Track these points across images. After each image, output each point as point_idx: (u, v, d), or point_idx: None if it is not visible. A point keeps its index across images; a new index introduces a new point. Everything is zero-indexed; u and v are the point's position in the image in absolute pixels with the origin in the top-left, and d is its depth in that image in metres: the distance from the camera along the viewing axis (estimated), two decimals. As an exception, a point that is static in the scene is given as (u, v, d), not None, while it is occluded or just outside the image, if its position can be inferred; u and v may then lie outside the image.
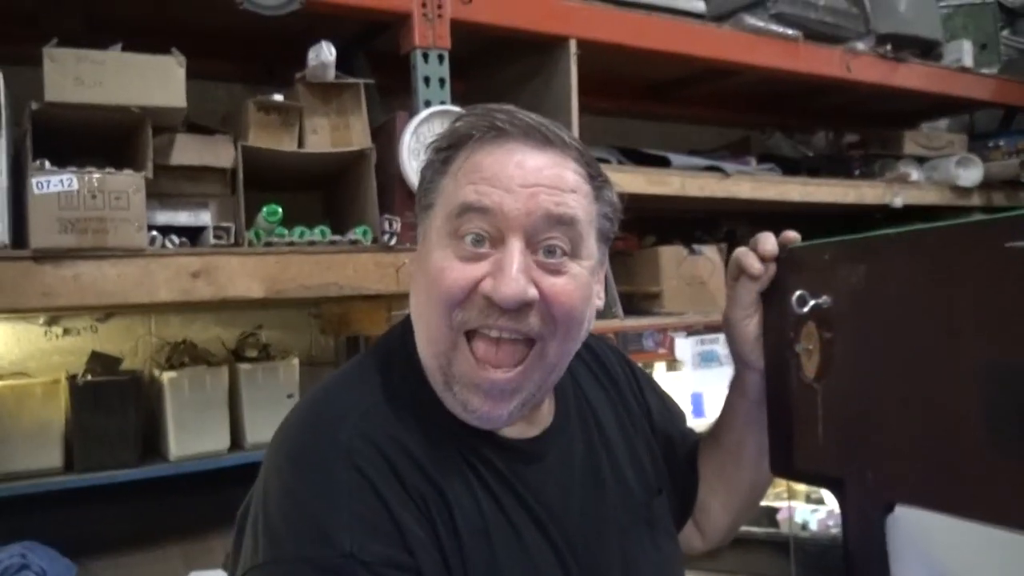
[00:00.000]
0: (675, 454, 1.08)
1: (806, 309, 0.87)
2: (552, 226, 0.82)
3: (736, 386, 1.05)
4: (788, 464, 0.93)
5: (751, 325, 0.97)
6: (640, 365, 1.17)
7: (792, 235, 0.94)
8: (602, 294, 0.93)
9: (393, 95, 2.03)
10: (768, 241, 0.94)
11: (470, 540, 0.82)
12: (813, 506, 2.21)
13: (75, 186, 1.43)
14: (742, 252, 0.96)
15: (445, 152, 0.86)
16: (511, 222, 0.81)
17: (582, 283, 0.85)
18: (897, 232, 0.79)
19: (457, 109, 1.82)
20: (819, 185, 2.56)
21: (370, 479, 0.79)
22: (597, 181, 0.87)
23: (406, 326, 0.93)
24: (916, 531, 0.78)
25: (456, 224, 0.82)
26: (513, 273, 0.80)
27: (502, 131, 0.83)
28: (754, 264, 0.94)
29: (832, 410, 0.86)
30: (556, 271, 0.83)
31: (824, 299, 0.86)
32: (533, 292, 0.81)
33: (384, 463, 0.80)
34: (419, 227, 0.90)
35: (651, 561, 0.96)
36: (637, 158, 2.32)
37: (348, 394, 0.88)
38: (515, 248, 0.81)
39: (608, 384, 1.06)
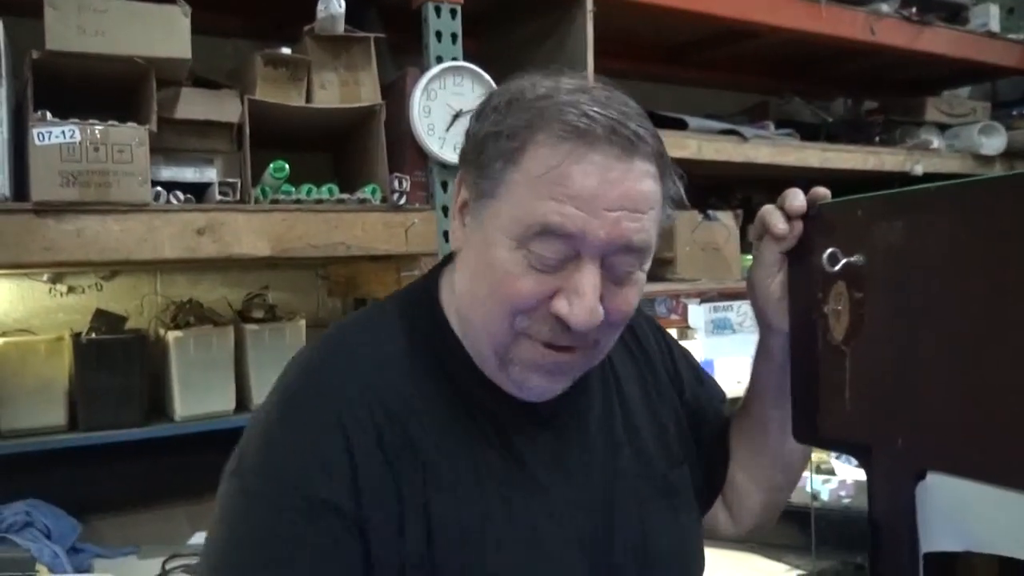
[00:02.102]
0: (704, 428, 1.05)
1: (837, 268, 0.83)
2: (629, 253, 0.80)
3: (761, 351, 1.02)
4: (812, 430, 0.90)
5: (774, 285, 0.94)
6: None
7: (822, 191, 0.90)
8: None
9: (404, 52, 1.98)
10: (796, 197, 0.90)
11: (448, 499, 0.81)
12: (824, 476, 2.18)
13: (77, 138, 1.39)
14: (768, 210, 0.92)
15: (515, 141, 0.80)
16: (591, 248, 0.78)
17: (641, 285, 0.85)
18: (938, 186, 0.75)
19: (470, 66, 1.77)
20: (839, 151, 2.50)
21: (345, 426, 0.80)
22: (666, 179, 0.83)
23: (430, 281, 0.93)
24: (948, 500, 0.75)
25: (530, 239, 0.79)
26: (590, 302, 0.79)
27: (586, 134, 0.77)
28: (778, 223, 0.90)
29: (861, 374, 0.83)
30: (622, 283, 0.82)
31: (857, 257, 0.82)
32: (602, 312, 0.80)
33: (366, 415, 0.81)
34: (462, 196, 0.85)
35: (670, 532, 0.94)
36: (653, 120, 2.26)
37: (364, 337, 0.90)
38: (592, 272, 0.79)
39: (639, 354, 1.03)
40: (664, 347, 1.07)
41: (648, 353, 1.04)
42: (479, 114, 0.86)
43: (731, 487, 1.07)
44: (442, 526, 0.80)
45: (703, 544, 1.01)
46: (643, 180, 0.79)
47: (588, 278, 0.79)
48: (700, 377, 1.11)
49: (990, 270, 0.69)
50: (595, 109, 0.78)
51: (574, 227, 0.77)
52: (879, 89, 3.09)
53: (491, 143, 0.82)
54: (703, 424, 1.06)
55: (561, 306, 0.79)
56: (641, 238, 0.80)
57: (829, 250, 0.83)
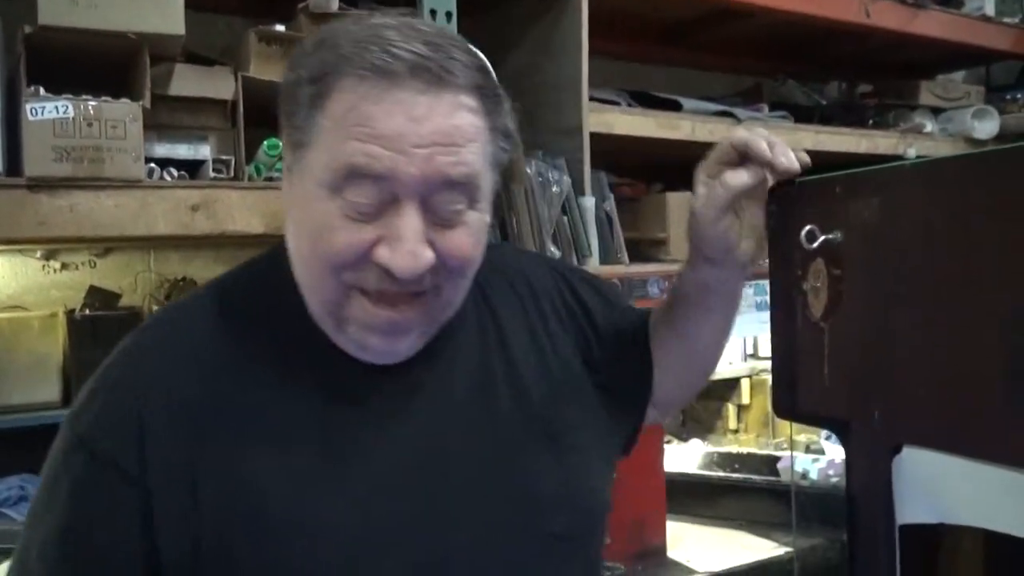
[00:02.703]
0: (626, 347, 1.02)
1: (815, 245, 0.83)
2: (450, 188, 0.76)
3: (688, 275, 0.97)
4: (792, 406, 0.91)
5: (719, 228, 0.88)
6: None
7: (805, 157, 0.86)
8: (489, 215, 0.88)
9: (398, 31, 1.97)
10: (789, 153, 0.85)
11: (266, 460, 0.79)
12: (814, 456, 2.21)
13: (70, 113, 1.40)
14: (754, 139, 0.85)
15: (317, 85, 0.77)
16: (406, 188, 0.75)
17: (477, 229, 0.81)
18: (914, 163, 0.76)
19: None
20: (832, 134, 2.51)
21: (138, 383, 0.80)
22: (492, 112, 0.80)
23: (280, 244, 0.88)
24: (924, 473, 0.76)
25: (341, 184, 0.75)
26: (411, 246, 0.75)
27: (387, 72, 0.74)
28: (781, 157, 0.83)
29: (839, 350, 0.84)
30: (452, 225, 0.78)
31: (835, 234, 0.83)
32: (430, 256, 0.76)
33: (162, 371, 0.81)
34: (286, 157, 0.82)
35: (555, 475, 0.89)
36: (647, 101, 2.27)
37: (202, 293, 0.90)
38: (411, 215, 0.75)
39: (526, 294, 0.98)
40: (562, 281, 1.02)
41: (537, 293, 0.99)
42: (290, 63, 0.82)
43: (656, 388, 1.04)
44: (257, 489, 0.78)
45: (606, 483, 0.96)
46: (456, 114, 0.76)
47: (407, 221, 0.75)
48: (606, 297, 1.06)
49: (963, 246, 0.70)
50: (400, 45, 0.74)
51: (382, 167, 0.74)
52: (873, 72, 3.10)
53: (298, 90, 0.78)
54: (624, 344, 1.01)
55: (382, 254, 0.75)
56: (461, 171, 0.76)
57: (807, 227, 0.84)
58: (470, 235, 0.80)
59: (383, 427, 0.84)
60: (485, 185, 0.80)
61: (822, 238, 0.83)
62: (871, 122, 2.78)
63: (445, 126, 0.75)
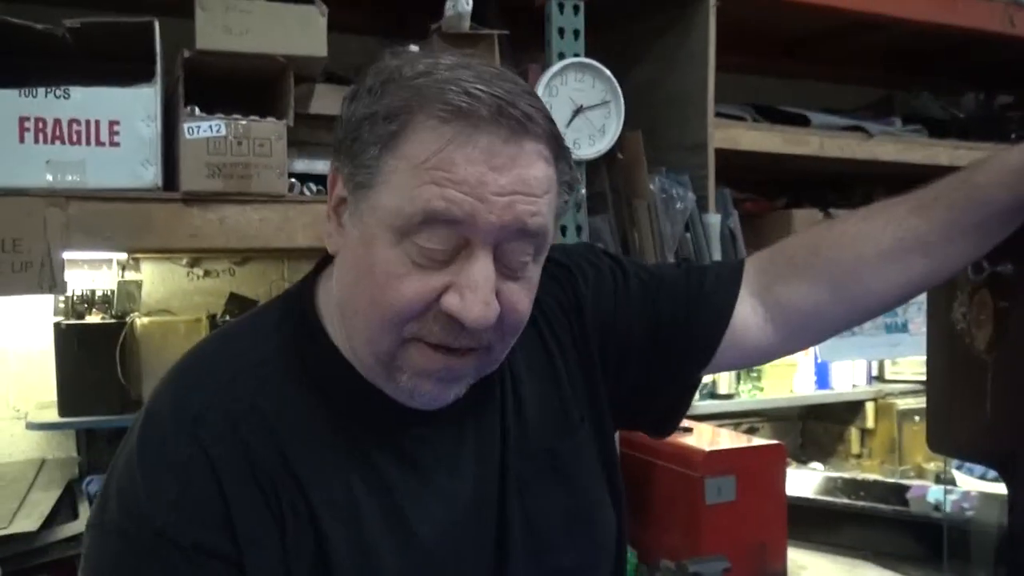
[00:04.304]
0: (677, 326, 0.99)
1: (982, 276, 0.81)
2: (524, 238, 0.75)
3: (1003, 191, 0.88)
4: (949, 440, 0.88)
5: None
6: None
7: None
8: None
9: (522, 48, 2.00)
10: None
11: (332, 523, 0.78)
12: (947, 487, 2.11)
13: (223, 132, 1.48)
14: None
15: (391, 124, 0.74)
16: (484, 235, 0.72)
17: (535, 283, 0.80)
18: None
19: (592, 62, 1.79)
20: (971, 148, 2.39)
21: (211, 457, 0.76)
22: (561, 163, 0.79)
23: (307, 282, 0.87)
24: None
25: (415, 229, 0.72)
26: (484, 295, 0.73)
27: (470, 114, 0.71)
28: None
29: (1004, 384, 0.81)
30: (516, 277, 0.77)
31: (1004, 266, 0.80)
32: (498, 308, 0.75)
33: (233, 440, 0.77)
34: (347, 199, 0.78)
35: (558, 510, 0.88)
36: (774, 116, 2.23)
37: (228, 350, 0.85)
38: (486, 263, 0.73)
39: (538, 316, 0.94)
40: (570, 291, 0.98)
41: (547, 314, 0.95)
42: (352, 96, 0.79)
43: (774, 301, 0.95)
44: (335, 550, 0.77)
45: (615, 502, 0.95)
46: (535, 163, 0.74)
47: (481, 268, 0.73)
48: (641, 280, 1.01)
49: None
50: (479, 87, 0.72)
51: (461, 212, 0.71)
52: (1014, 82, 2.94)
53: (366, 128, 0.75)
54: (672, 320, 0.99)
55: (452, 302, 0.73)
56: (537, 222, 0.74)
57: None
58: (529, 291, 0.79)
59: (439, 485, 0.83)
60: (551, 236, 0.79)
61: (989, 269, 0.81)
62: (1013, 136, 2.64)
63: (525, 175, 0.74)
